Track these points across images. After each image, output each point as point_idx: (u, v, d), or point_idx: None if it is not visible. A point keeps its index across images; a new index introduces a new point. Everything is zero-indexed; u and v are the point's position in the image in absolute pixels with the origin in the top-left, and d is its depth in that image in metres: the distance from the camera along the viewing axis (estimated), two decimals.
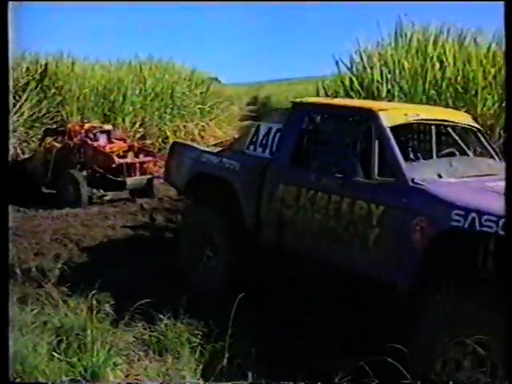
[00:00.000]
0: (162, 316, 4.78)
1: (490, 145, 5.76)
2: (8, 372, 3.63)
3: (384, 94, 9.82)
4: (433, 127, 5.60)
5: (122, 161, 11.25)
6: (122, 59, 20.59)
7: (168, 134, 17.92)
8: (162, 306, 4.88)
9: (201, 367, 4.16)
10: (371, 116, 5.05)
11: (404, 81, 9.74)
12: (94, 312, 4.56)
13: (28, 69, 16.94)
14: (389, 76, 9.97)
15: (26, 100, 15.97)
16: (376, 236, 4.64)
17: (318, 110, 5.77)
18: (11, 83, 15.88)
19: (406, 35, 10.84)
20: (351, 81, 10.85)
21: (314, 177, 5.24)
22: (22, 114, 15.78)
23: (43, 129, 14.10)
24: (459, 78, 9.14)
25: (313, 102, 6.09)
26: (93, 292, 4.83)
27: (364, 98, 10.12)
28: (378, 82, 10.02)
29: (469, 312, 3.88)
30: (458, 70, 9.26)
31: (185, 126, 18.75)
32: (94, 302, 4.71)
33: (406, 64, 9.89)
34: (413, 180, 4.57)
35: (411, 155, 5.57)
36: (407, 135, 5.89)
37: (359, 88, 10.47)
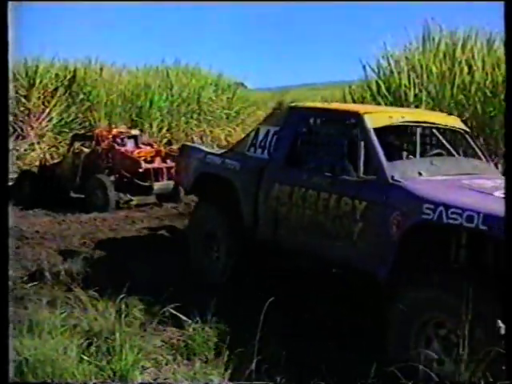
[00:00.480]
0: (190, 320, 4.81)
1: (477, 146, 5.99)
2: (8, 372, 3.67)
3: (411, 98, 9.79)
4: (418, 129, 5.93)
5: (149, 166, 11.30)
6: (149, 65, 20.78)
7: (195, 138, 17.99)
8: (190, 309, 4.91)
9: (229, 371, 4.16)
10: (357, 119, 5.35)
11: (432, 85, 9.69)
12: (123, 315, 4.59)
13: (57, 75, 17.16)
14: (416, 81, 9.92)
15: (54, 106, 16.19)
16: (359, 230, 4.93)
17: (311, 113, 6.04)
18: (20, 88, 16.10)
19: (433, 39, 10.78)
20: (378, 85, 10.82)
21: (305, 176, 5.54)
22: (50, 120, 16.01)
23: (71, 134, 14.25)
24: (488, 82, 9.06)
25: (306, 107, 6.39)
26: (121, 296, 4.87)
27: (391, 103, 10.09)
28: (405, 86, 9.98)
29: (438, 299, 4.15)
30: (487, 74, 9.18)
31: (211, 131, 18.81)
32: (123, 306, 4.74)
33: (433, 68, 9.84)
34: (392, 177, 4.85)
35: (396, 155, 5.75)
36: (393, 136, 6.14)
37: (386, 93, 10.43)
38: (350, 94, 11.93)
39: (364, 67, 11.15)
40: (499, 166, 8.33)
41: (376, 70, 11.22)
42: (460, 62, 9.78)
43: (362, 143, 5.13)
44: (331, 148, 5.48)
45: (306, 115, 6.02)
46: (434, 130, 6.02)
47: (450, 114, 8.92)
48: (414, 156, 5.86)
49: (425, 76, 9.96)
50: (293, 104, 6.67)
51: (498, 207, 4.10)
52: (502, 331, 3.78)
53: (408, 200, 4.61)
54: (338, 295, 5.73)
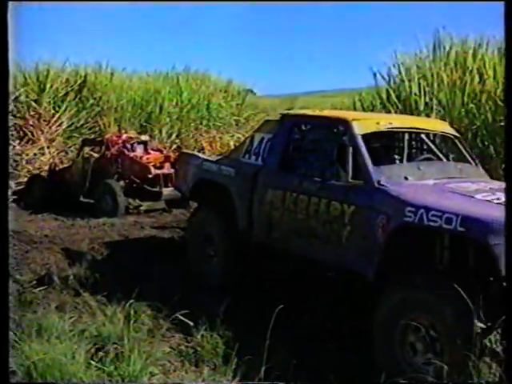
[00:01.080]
0: (198, 326, 4.81)
1: (466, 151, 6.13)
2: (8, 372, 3.67)
3: (422, 106, 9.74)
4: (406, 134, 6.03)
5: (158, 171, 11.31)
6: (160, 70, 20.80)
7: (204, 145, 17.97)
8: (198, 316, 4.91)
9: (237, 379, 4.15)
10: (345, 125, 5.53)
11: (442, 94, 9.64)
12: (131, 321, 4.58)
13: (67, 80, 17.21)
14: (427, 89, 9.88)
15: (64, 110, 16.22)
16: (348, 233, 5.10)
17: (302, 120, 6.27)
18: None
19: (444, 48, 10.74)
20: (388, 93, 10.79)
21: (297, 181, 5.71)
22: (60, 124, 16.03)
23: (81, 139, 14.27)
24: (499, 91, 9.00)
25: (297, 114, 6.70)
26: (130, 301, 4.87)
27: (401, 111, 10.05)
28: (415, 94, 9.94)
29: (420, 299, 4.32)
30: (498, 83, 9.12)
31: (221, 138, 18.78)
32: (131, 312, 4.74)
33: (444, 77, 9.79)
34: (379, 182, 5.03)
35: (383, 160, 5.82)
36: (382, 142, 6.26)
37: (396, 100, 10.40)
38: (359, 102, 11.90)
39: (374, 75, 11.13)
40: None
41: (386, 78, 11.19)
42: (471, 71, 9.73)
43: (350, 149, 5.27)
44: (321, 154, 5.72)
45: (298, 122, 6.23)
46: (423, 136, 6.18)
47: (461, 122, 8.95)
48: (402, 161, 5.98)
49: (435, 84, 9.92)
50: (285, 111, 6.91)
51: (478, 209, 4.37)
52: (479, 330, 3.95)
53: (392, 203, 4.78)
54: (336, 297, 5.82)
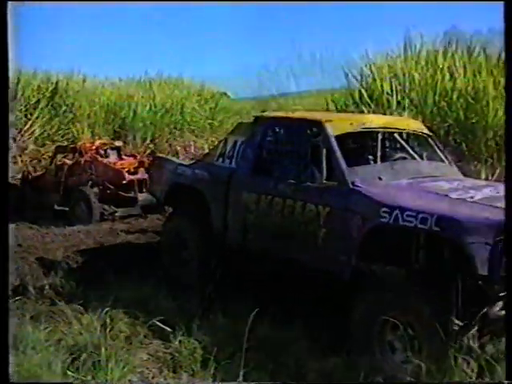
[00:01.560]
0: (175, 332, 4.78)
1: (440, 149, 6.19)
2: (8, 372, 3.63)
3: (394, 105, 9.82)
4: (379, 134, 6.00)
5: (132, 177, 11.22)
6: (132, 76, 20.73)
7: (178, 149, 17.92)
8: (175, 322, 4.88)
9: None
10: (319, 127, 5.53)
11: (414, 92, 9.73)
12: (108, 329, 4.54)
13: (39, 87, 17.05)
14: (399, 88, 9.97)
15: (37, 118, 16.07)
16: (324, 234, 5.10)
17: (276, 123, 6.24)
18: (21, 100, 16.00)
19: (415, 47, 10.85)
20: (361, 93, 10.86)
21: (271, 184, 5.69)
22: (33, 132, 15.88)
23: (54, 146, 14.14)
24: (469, 89, 9.11)
25: (271, 116, 6.65)
26: (106, 309, 4.82)
27: (373, 110, 10.11)
28: (387, 93, 10.02)
29: (397, 298, 4.33)
30: (469, 81, 9.23)
31: (195, 142, 18.75)
32: (108, 320, 4.69)
33: (416, 75, 9.88)
34: (353, 183, 5.03)
35: (357, 160, 5.82)
36: (356, 142, 6.27)
37: (369, 100, 10.47)
38: (332, 102, 11.95)
39: (347, 75, 11.19)
40: (482, 171, 8.38)
41: (358, 78, 11.26)
42: (442, 69, 9.83)
43: (324, 150, 5.30)
44: (295, 156, 5.68)
45: (272, 124, 6.21)
46: (396, 135, 6.18)
47: (433, 120, 9.04)
48: (376, 161, 5.97)
49: (407, 83, 10.01)
50: (258, 114, 6.92)
51: (452, 208, 4.35)
52: (456, 327, 3.96)
53: (367, 204, 4.79)
54: (314, 298, 5.75)
